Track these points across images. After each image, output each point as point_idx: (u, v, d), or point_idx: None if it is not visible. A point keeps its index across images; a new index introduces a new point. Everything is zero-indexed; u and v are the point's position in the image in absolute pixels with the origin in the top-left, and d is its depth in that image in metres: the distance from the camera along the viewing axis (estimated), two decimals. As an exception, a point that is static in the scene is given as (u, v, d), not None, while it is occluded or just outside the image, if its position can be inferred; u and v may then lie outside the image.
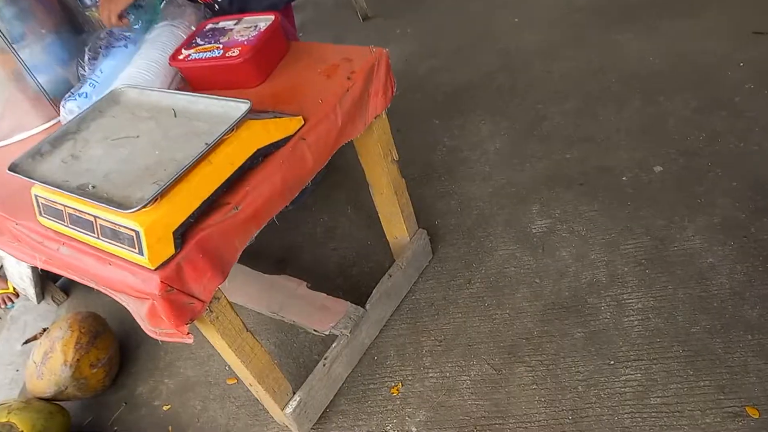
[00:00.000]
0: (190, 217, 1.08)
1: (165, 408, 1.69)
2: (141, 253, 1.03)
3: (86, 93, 1.50)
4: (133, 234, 1.03)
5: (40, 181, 1.16)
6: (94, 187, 1.12)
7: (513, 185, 2.01)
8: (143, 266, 1.05)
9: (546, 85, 2.39)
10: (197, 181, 1.09)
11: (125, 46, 1.58)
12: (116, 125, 1.31)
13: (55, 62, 1.60)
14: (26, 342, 1.88)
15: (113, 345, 1.78)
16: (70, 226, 1.16)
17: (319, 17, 3.61)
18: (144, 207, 1.00)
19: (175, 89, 1.54)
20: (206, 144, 1.13)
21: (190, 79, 1.53)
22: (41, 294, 2.12)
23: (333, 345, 1.52)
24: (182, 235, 1.07)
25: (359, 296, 1.70)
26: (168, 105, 1.30)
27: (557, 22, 2.76)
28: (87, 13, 1.63)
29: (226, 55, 1.42)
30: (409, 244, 1.74)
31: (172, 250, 1.05)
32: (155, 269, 1.04)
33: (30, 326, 2.11)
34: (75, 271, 1.24)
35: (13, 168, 1.20)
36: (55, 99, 1.59)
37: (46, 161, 1.24)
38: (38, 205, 1.23)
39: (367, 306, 1.60)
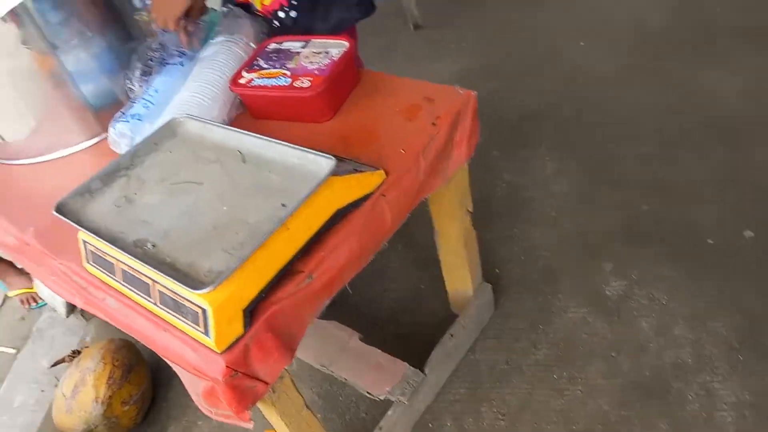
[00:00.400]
0: (262, 291, 0.95)
1: (197, 456, 1.57)
2: (207, 333, 0.90)
3: (139, 115, 1.36)
4: (199, 311, 0.89)
5: (91, 230, 1.02)
6: (154, 246, 0.99)
7: (582, 235, 1.85)
8: (207, 346, 0.92)
9: (618, 122, 2.22)
10: (272, 250, 0.95)
11: (181, 64, 1.44)
12: (175, 164, 1.17)
13: (102, 71, 1.43)
14: (54, 365, 1.77)
15: (146, 378, 1.67)
16: (122, 283, 1.03)
17: (367, 24, 3.42)
18: (215, 287, 0.86)
19: (234, 116, 1.41)
20: (283, 205, 1.00)
21: (250, 107, 1.39)
22: (71, 308, 2.01)
23: (389, 413, 1.39)
24: (251, 311, 0.94)
25: (412, 348, 1.55)
26: (234, 146, 1.16)
27: (627, 49, 2.57)
28: (135, 17, 1.47)
29: (294, 84, 1.27)
30: (472, 298, 1.60)
31: (240, 331, 0.92)
32: (221, 352, 0.91)
33: (58, 341, 2.00)
34: (121, 325, 1.11)
35: (60, 209, 1.07)
36: (99, 113, 1.45)
37: (97, 202, 1.11)
38: (86, 252, 1.10)
39: (427, 370, 1.46)
